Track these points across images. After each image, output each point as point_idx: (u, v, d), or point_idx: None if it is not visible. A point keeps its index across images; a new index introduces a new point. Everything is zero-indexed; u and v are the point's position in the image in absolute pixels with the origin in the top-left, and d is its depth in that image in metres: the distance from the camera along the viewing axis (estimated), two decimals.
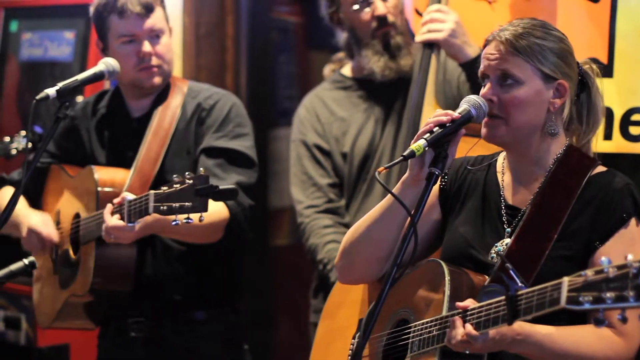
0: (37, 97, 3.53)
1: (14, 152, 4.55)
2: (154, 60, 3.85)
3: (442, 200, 3.05)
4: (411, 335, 2.89)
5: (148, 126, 3.90)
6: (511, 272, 2.58)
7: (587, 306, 2.29)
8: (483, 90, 2.88)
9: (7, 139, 4.58)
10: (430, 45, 3.92)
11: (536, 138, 2.89)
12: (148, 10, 3.83)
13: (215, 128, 3.89)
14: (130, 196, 3.54)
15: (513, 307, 2.53)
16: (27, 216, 3.94)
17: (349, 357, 3.16)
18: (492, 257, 2.89)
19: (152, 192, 3.39)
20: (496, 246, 2.89)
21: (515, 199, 2.94)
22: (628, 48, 3.51)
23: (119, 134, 4.00)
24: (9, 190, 4.05)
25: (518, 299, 2.52)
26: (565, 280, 2.37)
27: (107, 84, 4.48)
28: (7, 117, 5.76)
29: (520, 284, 2.55)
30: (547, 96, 2.86)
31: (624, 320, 2.24)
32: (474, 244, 2.93)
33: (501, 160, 3.02)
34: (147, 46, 3.83)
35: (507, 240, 2.88)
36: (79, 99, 4.49)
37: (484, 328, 2.63)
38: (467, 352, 2.71)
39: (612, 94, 3.51)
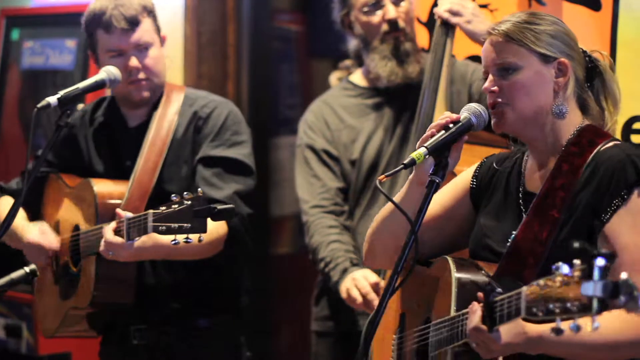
0: (39, 106, 3.53)
1: None
2: (142, 74, 3.84)
3: (473, 198, 3.05)
4: (430, 335, 2.90)
5: (145, 136, 3.90)
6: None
7: None
8: (485, 85, 2.89)
9: None
10: (447, 28, 3.87)
11: (548, 121, 2.88)
12: (133, 24, 3.80)
13: (212, 137, 3.89)
14: (129, 214, 3.52)
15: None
16: (25, 228, 3.92)
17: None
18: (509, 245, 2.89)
19: (150, 211, 3.38)
20: (512, 233, 2.88)
21: (531, 184, 2.94)
22: (630, 56, 3.52)
23: (116, 143, 3.99)
24: (7, 200, 4.03)
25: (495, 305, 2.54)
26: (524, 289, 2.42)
27: (107, 92, 4.47)
28: (9, 125, 5.76)
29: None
30: (549, 76, 2.87)
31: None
32: (491, 233, 2.94)
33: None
34: (134, 60, 3.81)
35: None
36: (80, 107, 4.48)
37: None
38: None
39: None
